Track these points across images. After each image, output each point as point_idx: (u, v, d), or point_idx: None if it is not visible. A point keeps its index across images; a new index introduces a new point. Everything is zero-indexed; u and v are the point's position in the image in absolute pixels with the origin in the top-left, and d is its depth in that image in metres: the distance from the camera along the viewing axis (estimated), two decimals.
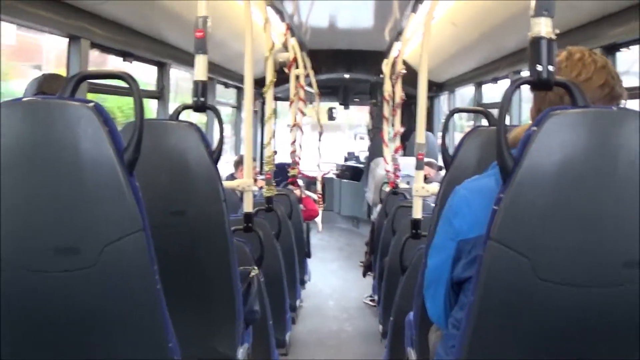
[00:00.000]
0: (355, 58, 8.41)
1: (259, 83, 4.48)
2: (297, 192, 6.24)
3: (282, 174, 6.88)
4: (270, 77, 4.01)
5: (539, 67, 1.39)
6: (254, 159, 6.35)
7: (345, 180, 10.95)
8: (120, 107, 5.74)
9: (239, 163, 5.72)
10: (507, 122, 1.51)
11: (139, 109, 1.50)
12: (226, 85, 6.99)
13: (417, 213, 3.53)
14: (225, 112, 7.88)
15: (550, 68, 1.39)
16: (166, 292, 1.56)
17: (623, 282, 1.36)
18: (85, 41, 3.34)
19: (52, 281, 1.45)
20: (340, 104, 11.09)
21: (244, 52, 3.39)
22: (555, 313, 1.39)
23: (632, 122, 1.33)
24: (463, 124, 8.64)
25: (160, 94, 4.82)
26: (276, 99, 8.50)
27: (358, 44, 7.86)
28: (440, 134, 6.69)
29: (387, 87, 6.42)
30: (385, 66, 6.69)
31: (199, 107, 2.34)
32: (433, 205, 2.78)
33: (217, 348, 2.34)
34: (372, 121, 9.83)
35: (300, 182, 6.60)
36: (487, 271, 1.38)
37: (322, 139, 8.09)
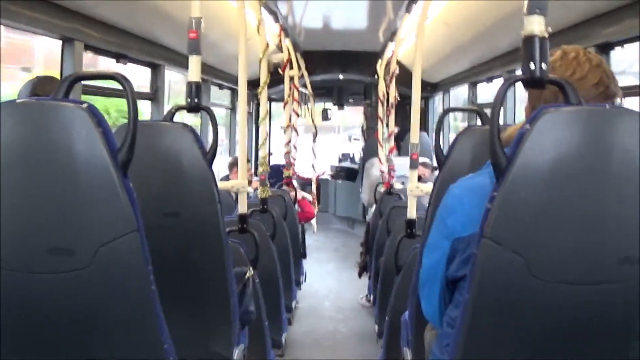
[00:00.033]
0: (349, 59, 8.41)
1: (253, 84, 4.48)
2: (294, 193, 6.25)
3: (277, 175, 6.89)
4: (264, 78, 4.01)
5: (532, 65, 1.39)
6: (249, 161, 6.35)
7: (340, 181, 10.96)
8: (106, 109, 5.71)
9: (233, 165, 5.73)
10: (503, 121, 1.51)
11: (132, 109, 1.50)
12: (220, 87, 6.99)
13: (412, 213, 3.54)
14: (220, 114, 7.88)
15: (543, 66, 1.39)
16: (161, 293, 1.56)
17: (617, 279, 1.36)
18: (79, 43, 3.34)
19: (47, 282, 1.45)
20: (335, 105, 11.11)
21: (237, 53, 3.39)
22: (549, 311, 1.39)
23: (625, 120, 1.33)
24: (458, 124, 8.66)
25: (154, 96, 4.81)
26: (270, 100, 8.51)
27: (352, 45, 7.87)
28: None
29: (381, 87, 6.43)
30: (380, 67, 6.70)
31: (192, 108, 2.34)
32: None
33: (213, 349, 2.33)
34: (367, 122, 9.86)
35: (295, 183, 6.61)
36: (481, 269, 1.38)
37: (316, 140, 8.09)
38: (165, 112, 2.43)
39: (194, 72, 2.33)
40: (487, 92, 6.21)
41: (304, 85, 8.03)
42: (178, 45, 4.62)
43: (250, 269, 2.80)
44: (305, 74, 7.70)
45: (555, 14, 1.41)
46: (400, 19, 5.15)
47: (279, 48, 6.32)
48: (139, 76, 4.80)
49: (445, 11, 4.95)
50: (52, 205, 1.43)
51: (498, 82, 5.54)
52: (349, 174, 10.86)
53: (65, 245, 1.43)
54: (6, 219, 1.41)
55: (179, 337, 1.72)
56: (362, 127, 10.37)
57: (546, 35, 1.39)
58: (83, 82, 3.34)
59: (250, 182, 5.20)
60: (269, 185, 4.31)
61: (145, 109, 4.85)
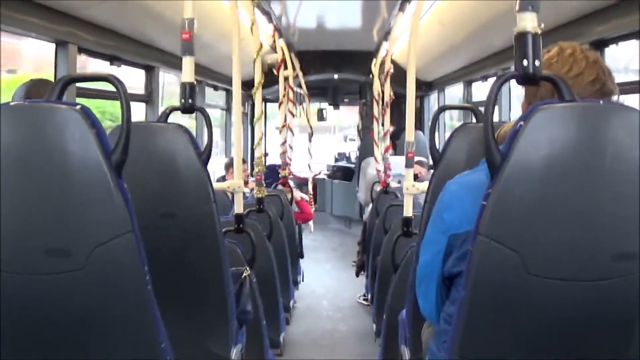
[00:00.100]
0: (344, 58, 8.41)
1: (248, 85, 4.48)
2: (295, 193, 6.26)
3: (273, 175, 6.89)
4: (258, 78, 4.01)
5: (525, 62, 1.39)
6: (245, 161, 6.35)
7: (336, 181, 10.97)
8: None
9: (229, 165, 5.73)
10: (498, 119, 1.51)
11: (126, 111, 1.50)
12: (215, 88, 6.99)
13: (408, 211, 3.54)
14: (216, 115, 7.88)
15: (537, 63, 1.39)
16: (158, 294, 1.56)
17: (612, 276, 1.36)
18: (73, 46, 3.33)
19: (45, 283, 1.45)
20: (330, 105, 11.12)
21: (231, 54, 3.39)
22: (545, 307, 1.39)
23: (619, 116, 1.33)
24: (454, 124, 8.66)
25: (149, 98, 4.81)
26: (266, 100, 8.51)
27: (346, 44, 7.86)
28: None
29: (376, 86, 6.44)
30: (374, 66, 6.71)
31: (186, 109, 2.33)
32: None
33: (211, 349, 2.33)
34: (362, 121, 9.87)
35: (291, 183, 6.61)
36: (477, 266, 1.39)
37: (312, 140, 8.10)
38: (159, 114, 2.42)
39: (188, 73, 2.33)
40: (482, 90, 6.22)
41: (299, 86, 8.03)
42: (172, 47, 4.61)
43: (247, 268, 2.80)
44: (300, 74, 7.70)
45: (548, 11, 1.41)
46: (394, 18, 5.17)
47: (273, 48, 6.32)
48: (134, 78, 4.79)
49: (439, 10, 4.96)
50: (48, 206, 1.43)
51: (493, 81, 5.53)
52: (346, 174, 10.87)
53: (62, 247, 1.43)
54: (3, 221, 1.41)
55: (177, 338, 1.72)
56: (358, 127, 10.37)
57: (539, 32, 1.39)
58: (77, 85, 3.34)
59: (246, 183, 5.20)
60: (265, 185, 4.32)
61: (139, 112, 4.84)
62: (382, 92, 5.96)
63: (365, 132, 9.24)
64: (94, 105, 4.19)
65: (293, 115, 7.23)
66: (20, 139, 1.42)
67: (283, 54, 6.18)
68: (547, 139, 1.32)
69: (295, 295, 5.85)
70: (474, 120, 2.64)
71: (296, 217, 6.13)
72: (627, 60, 3.40)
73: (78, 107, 1.42)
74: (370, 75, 7.22)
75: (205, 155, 2.26)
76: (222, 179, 5.58)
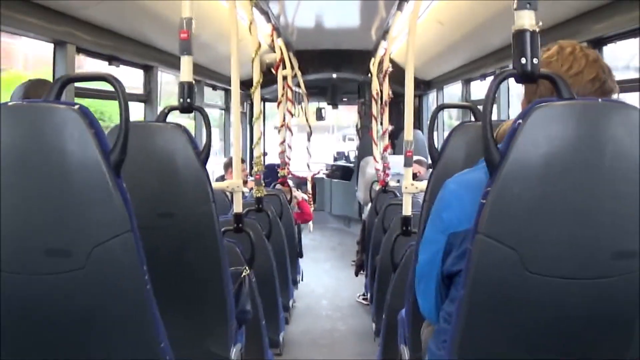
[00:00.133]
0: (342, 57, 8.41)
1: (246, 84, 4.47)
2: (297, 194, 6.26)
3: (272, 174, 6.89)
4: (257, 78, 4.01)
5: (523, 60, 1.39)
6: (244, 161, 6.35)
7: (335, 180, 10.97)
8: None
9: (228, 165, 5.73)
10: (497, 117, 1.51)
11: (124, 110, 1.49)
12: (214, 88, 6.99)
13: (407, 210, 3.54)
14: (214, 115, 7.88)
15: (535, 61, 1.39)
16: (157, 294, 1.56)
17: (611, 274, 1.36)
18: (71, 46, 3.33)
19: (45, 283, 1.45)
20: (329, 104, 11.13)
21: (230, 53, 3.39)
22: (545, 305, 1.39)
23: (619, 114, 1.33)
24: (453, 123, 8.66)
25: (148, 98, 4.81)
26: (264, 100, 8.51)
27: (345, 44, 7.87)
28: None
29: (374, 85, 6.44)
30: (373, 65, 6.70)
31: (185, 109, 2.33)
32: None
33: (210, 348, 2.33)
34: (361, 120, 9.87)
35: (290, 182, 6.61)
36: (476, 265, 1.38)
37: (311, 139, 8.10)
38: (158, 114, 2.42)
39: (186, 72, 2.32)
40: (481, 89, 6.22)
41: (298, 85, 8.03)
42: (170, 46, 4.61)
43: (246, 268, 2.80)
44: (299, 73, 7.70)
45: (546, 9, 1.41)
46: (393, 17, 5.16)
47: (272, 48, 6.32)
48: (133, 78, 4.79)
49: (437, 9, 4.96)
50: (48, 206, 1.43)
51: (491, 79, 5.54)
52: (345, 173, 10.87)
53: (61, 247, 1.43)
54: (3, 221, 1.41)
55: (176, 338, 1.72)
56: (357, 126, 10.38)
57: (537, 30, 1.39)
58: (75, 85, 3.34)
59: (245, 182, 5.20)
60: (264, 185, 4.31)
61: (137, 112, 4.84)
62: (381, 91, 5.97)
63: (364, 131, 9.23)
64: (88, 104, 4.18)
65: (292, 115, 7.23)
66: (18, 139, 1.42)
67: (281, 53, 6.18)
68: (546, 136, 1.32)
69: (295, 295, 5.85)
70: (473, 118, 2.64)
71: (296, 217, 6.14)
72: (627, 59, 3.40)
73: (76, 106, 1.42)
74: (369, 75, 7.21)
75: (204, 155, 2.25)
76: (222, 178, 5.58)
